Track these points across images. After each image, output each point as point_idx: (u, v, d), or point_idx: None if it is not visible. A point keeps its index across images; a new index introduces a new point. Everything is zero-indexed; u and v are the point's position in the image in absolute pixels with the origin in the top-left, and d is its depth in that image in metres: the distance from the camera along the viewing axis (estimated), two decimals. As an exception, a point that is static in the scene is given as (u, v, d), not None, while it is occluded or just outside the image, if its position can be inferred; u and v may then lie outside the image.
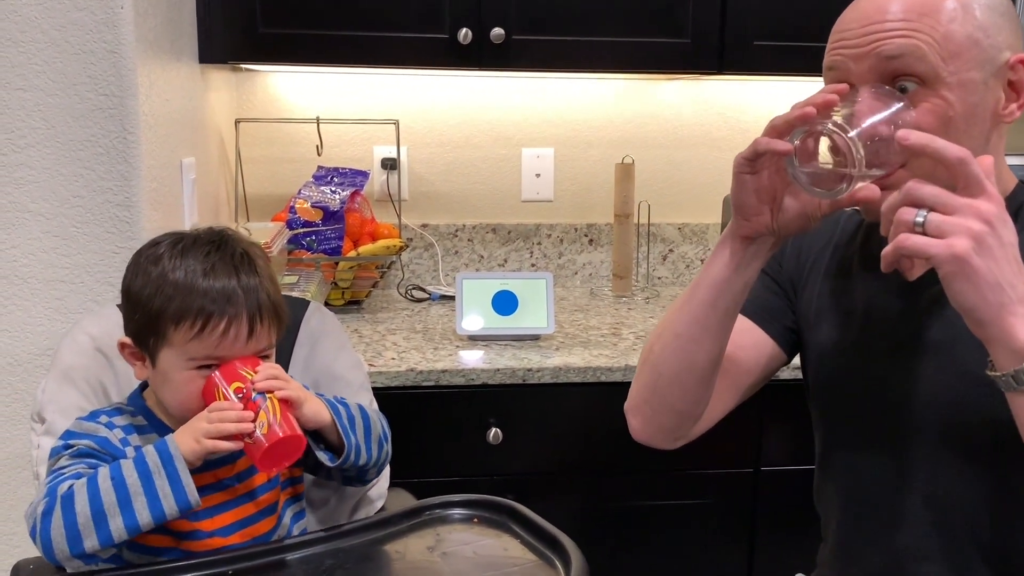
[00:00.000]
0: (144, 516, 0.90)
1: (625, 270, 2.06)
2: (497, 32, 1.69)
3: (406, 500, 1.24)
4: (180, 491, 0.91)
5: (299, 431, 0.96)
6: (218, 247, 0.99)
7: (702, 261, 2.21)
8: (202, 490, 0.95)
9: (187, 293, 0.95)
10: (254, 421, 0.93)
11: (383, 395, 1.34)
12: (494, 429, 1.54)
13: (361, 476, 1.10)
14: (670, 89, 2.13)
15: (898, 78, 0.86)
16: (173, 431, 0.98)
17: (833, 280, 1.05)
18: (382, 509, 1.22)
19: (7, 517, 1.42)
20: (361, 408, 1.09)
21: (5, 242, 1.34)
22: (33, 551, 1.03)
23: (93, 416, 1.02)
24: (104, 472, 0.91)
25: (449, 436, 1.55)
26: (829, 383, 1.05)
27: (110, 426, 1.00)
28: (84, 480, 0.91)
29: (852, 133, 0.80)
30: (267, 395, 0.95)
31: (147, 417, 1.03)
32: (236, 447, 0.94)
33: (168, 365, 0.97)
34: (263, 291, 0.99)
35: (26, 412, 1.37)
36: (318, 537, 1.04)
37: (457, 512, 1.12)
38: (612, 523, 1.61)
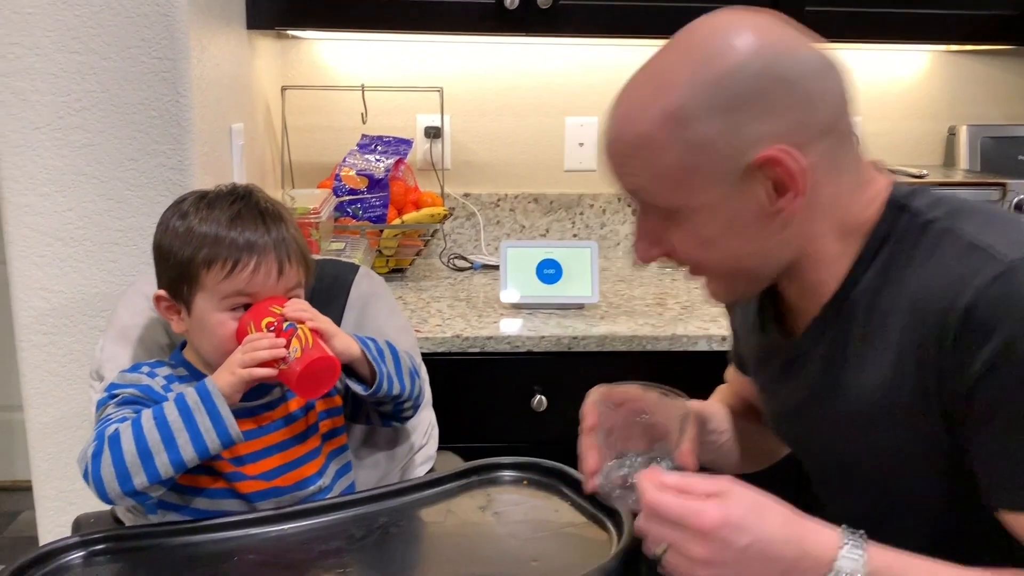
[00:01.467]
0: (188, 451, 0.92)
1: (668, 241, 2.04)
2: (544, -3, 1.68)
3: (455, 463, 1.25)
4: (220, 425, 0.93)
5: (331, 354, 0.98)
6: (243, 199, 1.03)
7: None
8: (245, 434, 0.98)
9: (216, 239, 0.99)
10: (287, 347, 0.95)
11: (429, 361, 1.34)
12: (539, 396, 1.55)
13: (398, 411, 1.11)
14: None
15: (652, 205, 0.84)
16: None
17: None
18: (431, 470, 1.23)
19: (63, 474, 1.45)
20: (389, 343, 1.10)
21: (61, 204, 1.36)
22: (93, 505, 1.06)
23: (135, 368, 1.06)
24: (147, 413, 0.94)
25: (494, 402, 1.56)
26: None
27: (152, 375, 1.03)
28: (129, 422, 0.93)
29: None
30: (298, 324, 0.98)
31: (188, 369, 1.06)
32: (271, 373, 0.96)
33: (203, 309, 1.00)
34: (289, 235, 1.02)
35: (81, 372, 1.40)
36: (370, 496, 1.05)
37: (507, 474, 1.13)
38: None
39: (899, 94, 2.17)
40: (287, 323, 0.97)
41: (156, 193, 1.37)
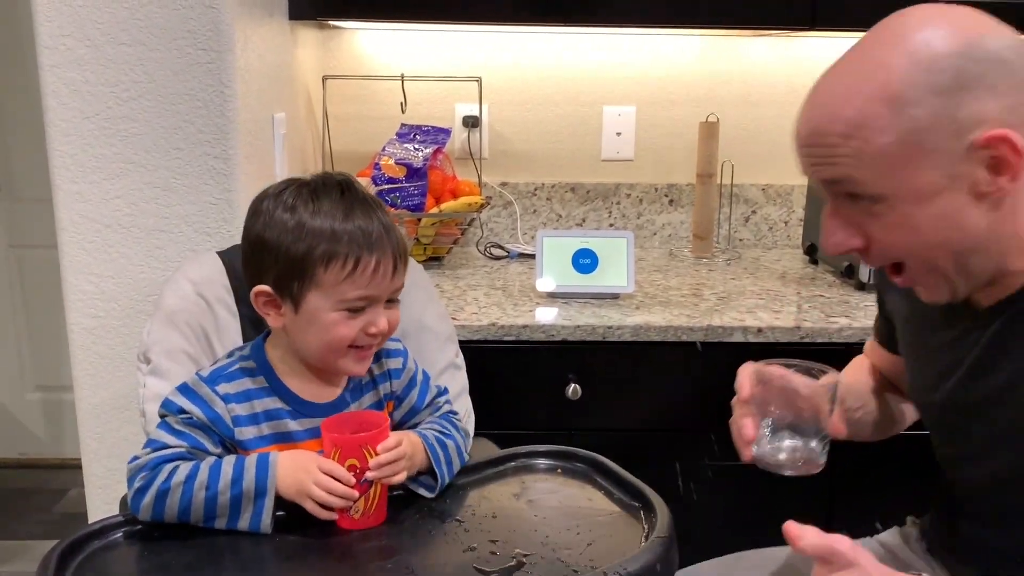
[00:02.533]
0: (220, 527, 0.95)
1: (706, 231, 2.04)
2: (583, -13, 1.68)
3: (489, 449, 1.26)
4: (257, 521, 0.94)
5: (385, 515, 0.99)
6: (348, 188, 1.00)
7: (786, 223, 2.17)
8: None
9: (332, 234, 0.95)
10: (356, 500, 0.96)
11: (465, 348, 1.36)
12: (573, 385, 1.56)
13: None
14: (756, 45, 2.08)
15: (851, 194, 0.84)
16: (291, 392, 1.02)
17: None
18: (468, 455, 1.25)
19: (111, 453, 1.50)
20: (457, 443, 1.09)
21: (109, 192, 1.40)
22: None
23: (213, 380, 1.01)
24: (202, 480, 0.93)
25: (529, 390, 1.57)
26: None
27: (227, 399, 1.00)
28: (182, 482, 0.93)
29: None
30: (372, 481, 0.96)
31: (267, 376, 1.03)
32: (329, 518, 0.96)
33: (316, 307, 0.98)
34: (396, 230, 1.00)
35: (127, 354, 1.44)
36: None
37: (542, 462, 1.14)
38: (691, 480, 1.62)
39: None
40: (364, 479, 0.96)
41: (200, 182, 1.40)
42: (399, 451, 0.98)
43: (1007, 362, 0.90)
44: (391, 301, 1.02)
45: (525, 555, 0.93)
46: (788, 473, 0.94)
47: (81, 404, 1.48)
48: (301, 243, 0.96)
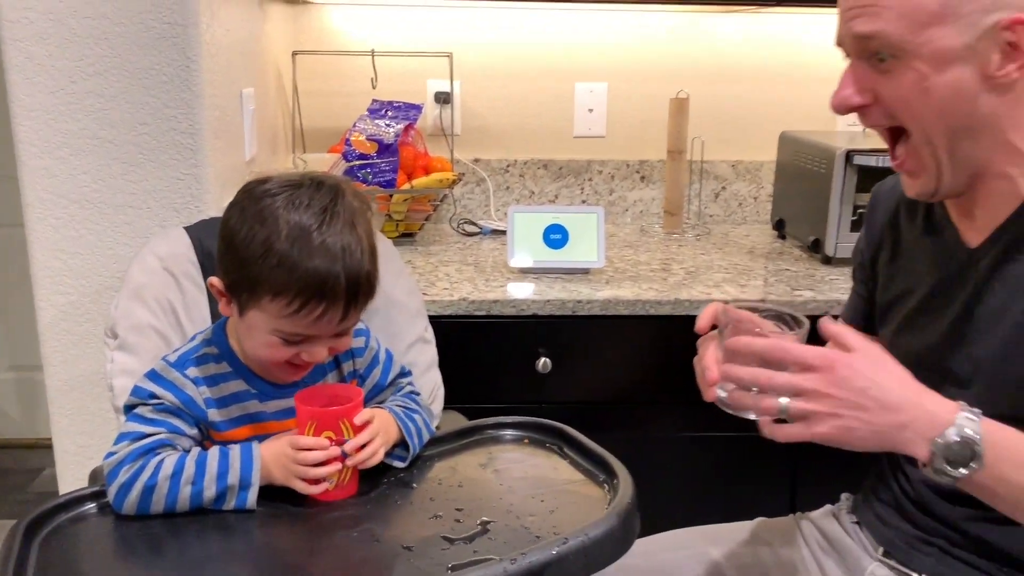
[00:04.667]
0: (207, 506, 0.96)
1: (676, 207, 2.06)
2: (553, -38, 1.68)
3: (459, 421, 1.28)
4: (242, 505, 0.96)
5: (356, 487, 1.01)
6: (331, 209, 0.96)
7: (755, 199, 2.19)
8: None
9: (290, 270, 0.93)
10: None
11: (435, 323, 1.37)
12: (543, 359, 1.58)
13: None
14: (726, 22, 2.09)
15: (874, 52, 0.89)
16: (254, 376, 1.03)
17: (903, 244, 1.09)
18: (437, 428, 1.26)
19: (81, 430, 1.50)
20: (425, 418, 1.11)
21: (76, 168, 1.39)
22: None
23: (181, 365, 1.02)
24: (188, 475, 0.94)
25: (500, 364, 1.59)
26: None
27: (197, 382, 1.01)
28: (168, 476, 0.93)
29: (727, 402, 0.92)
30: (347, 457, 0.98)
31: (230, 361, 1.04)
32: (320, 491, 0.97)
33: (256, 324, 0.98)
34: (363, 272, 0.97)
35: (96, 331, 1.44)
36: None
37: (509, 433, 1.16)
38: (657, 452, 1.65)
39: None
40: (342, 450, 0.97)
41: (168, 157, 1.40)
42: (373, 429, 1.00)
43: (992, 298, 0.94)
44: (342, 333, 1.01)
45: (490, 522, 0.95)
46: (752, 417, 0.92)
47: (51, 382, 1.48)
48: (259, 264, 0.94)
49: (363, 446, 0.99)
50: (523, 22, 2.07)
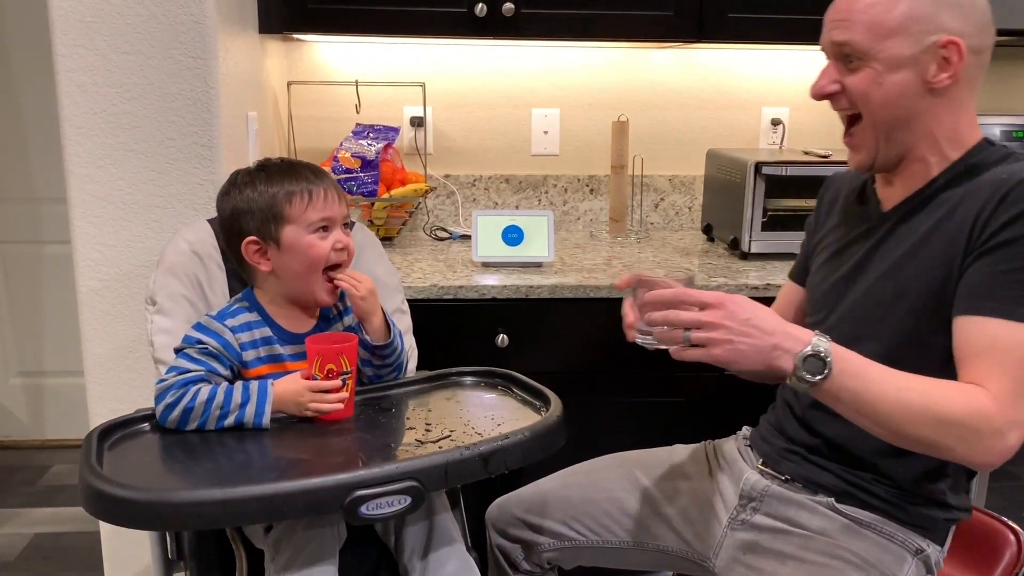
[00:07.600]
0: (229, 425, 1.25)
1: (621, 215, 2.37)
2: (508, 6, 1.99)
3: (429, 376, 1.57)
4: (259, 424, 1.24)
5: (352, 410, 1.30)
6: (290, 161, 1.35)
7: (689, 208, 2.52)
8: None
9: (289, 182, 1.30)
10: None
11: (411, 306, 1.65)
12: (502, 335, 1.87)
13: (397, 366, 1.43)
14: (661, 56, 2.43)
15: (845, 55, 1.19)
16: (277, 324, 1.34)
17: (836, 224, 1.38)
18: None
19: (113, 396, 1.77)
20: (402, 346, 1.43)
21: (114, 175, 1.68)
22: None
23: (221, 317, 1.33)
24: (218, 402, 1.23)
25: (464, 341, 1.88)
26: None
27: (234, 330, 1.31)
28: (204, 401, 1.22)
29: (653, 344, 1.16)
30: (346, 379, 1.27)
31: (259, 312, 1.35)
32: (328, 411, 1.26)
33: (293, 237, 1.30)
34: (331, 175, 1.34)
35: (130, 312, 1.73)
36: (373, 387, 1.41)
37: (468, 379, 1.46)
38: (600, 414, 1.94)
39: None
40: (342, 375, 1.26)
41: (190, 166, 1.70)
42: (370, 287, 1.33)
43: (885, 249, 1.23)
44: (346, 226, 1.34)
45: (451, 431, 1.25)
46: (663, 347, 1.16)
47: (87, 354, 1.76)
48: (265, 196, 1.30)
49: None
50: (486, 57, 2.40)
